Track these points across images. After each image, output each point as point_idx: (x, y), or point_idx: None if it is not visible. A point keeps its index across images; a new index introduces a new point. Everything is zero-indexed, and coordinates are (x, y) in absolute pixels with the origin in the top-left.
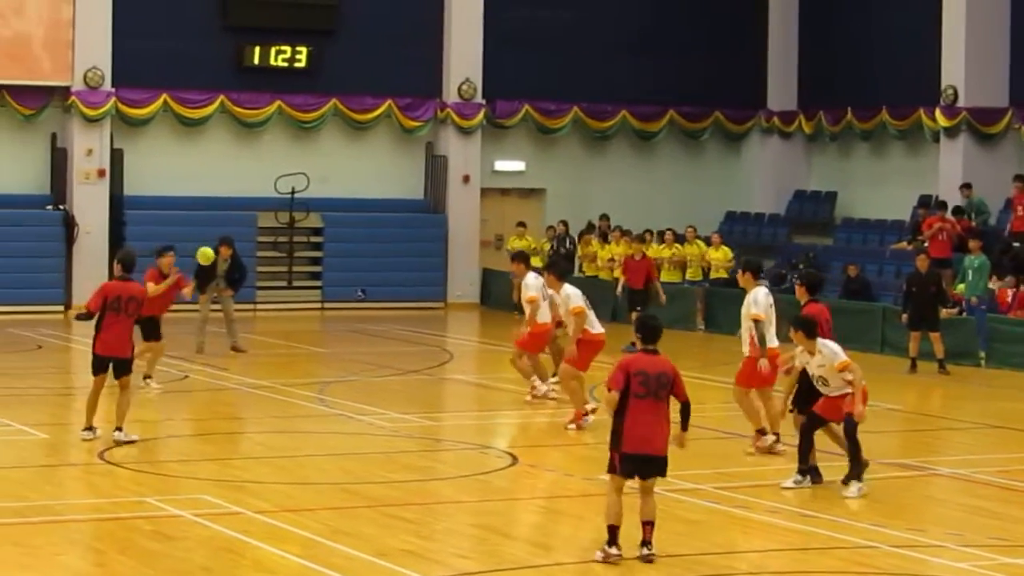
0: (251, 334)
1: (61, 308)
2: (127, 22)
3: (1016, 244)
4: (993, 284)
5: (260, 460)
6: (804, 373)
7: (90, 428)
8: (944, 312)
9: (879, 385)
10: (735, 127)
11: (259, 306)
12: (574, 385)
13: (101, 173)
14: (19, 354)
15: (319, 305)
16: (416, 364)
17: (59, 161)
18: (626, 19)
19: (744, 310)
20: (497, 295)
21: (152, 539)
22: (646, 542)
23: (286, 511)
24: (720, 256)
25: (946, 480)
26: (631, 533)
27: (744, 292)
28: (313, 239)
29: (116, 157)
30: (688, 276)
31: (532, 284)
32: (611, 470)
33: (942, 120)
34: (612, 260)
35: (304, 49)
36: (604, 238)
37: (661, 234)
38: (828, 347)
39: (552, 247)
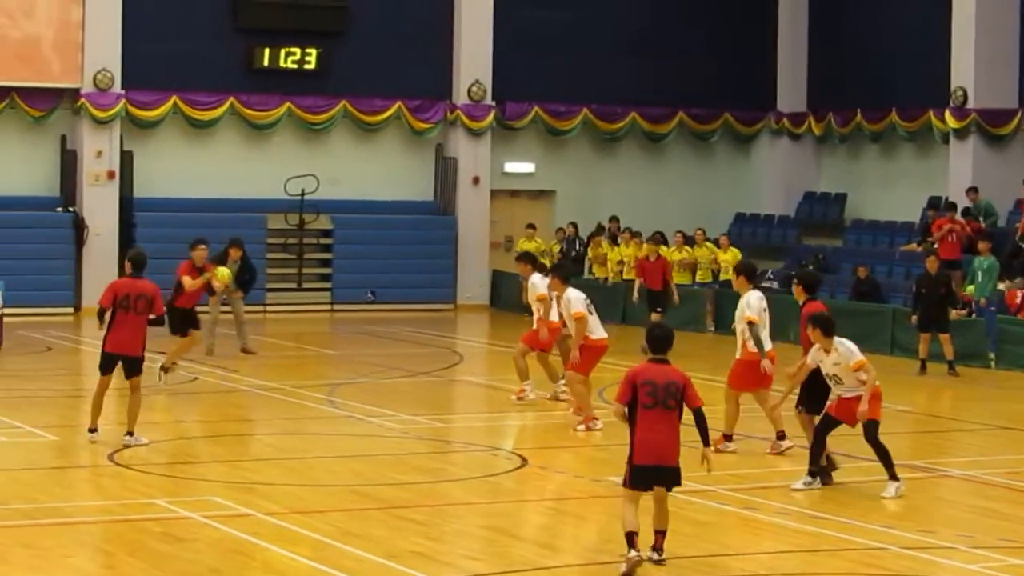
0: (261, 336)
1: (71, 310)
2: (137, 24)
3: None
4: (1002, 286)
5: (270, 462)
6: (812, 374)
7: (94, 429)
8: (953, 314)
9: (889, 387)
10: (745, 129)
11: (269, 308)
12: (581, 389)
13: (111, 175)
14: (29, 356)
15: (329, 307)
16: (426, 366)
17: (69, 163)
18: (635, 21)
19: (738, 313)
20: (507, 297)
21: (161, 541)
22: (657, 548)
23: (296, 513)
24: (730, 258)
25: (956, 481)
26: (643, 535)
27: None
28: (323, 241)
29: (126, 159)
30: (698, 278)
31: (540, 283)
32: (624, 483)
33: (952, 122)
34: (621, 262)
35: (314, 51)
36: (614, 240)
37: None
38: (845, 345)
39: (562, 249)
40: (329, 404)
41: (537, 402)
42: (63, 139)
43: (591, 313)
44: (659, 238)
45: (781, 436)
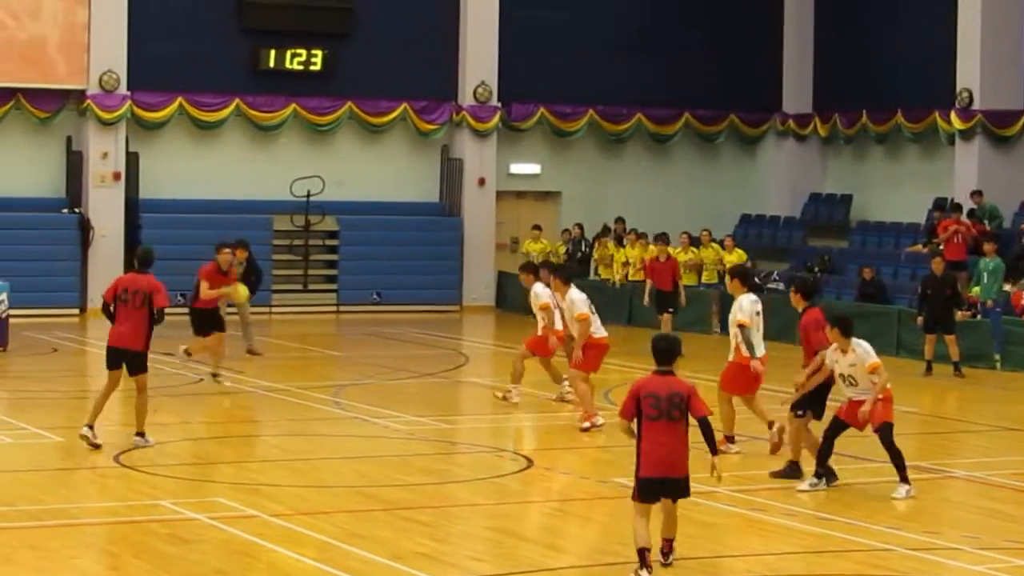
0: (267, 337)
1: (76, 311)
2: (142, 25)
3: None
4: (1008, 287)
5: (275, 463)
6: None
7: (90, 426)
8: (959, 315)
9: (894, 388)
10: (750, 130)
11: (275, 309)
12: (583, 388)
13: (116, 176)
14: (34, 357)
15: (334, 308)
16: (431, 367)
17: (74, 164)
18: (641, 23)
19: (731, 317)
20: (513, 298)
21: (167, 542)
22: (664, 552)
23: (301, 514)
24: (735, 259)
25: (962, 483)
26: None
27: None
28: (328, 242)
29: (131, 160)
30: (704, 279)
31: (543, 292)
32: (633, 497)
33: (957, 123)
34: (627, 263)
35: (319, 52)
36: (620, 241)
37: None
38: (862, 347)
39: (567, 250)
40: (335, 405)
41: (540, 404)
42: (69, 140)
43: (593, 313)
44: (665, 239)
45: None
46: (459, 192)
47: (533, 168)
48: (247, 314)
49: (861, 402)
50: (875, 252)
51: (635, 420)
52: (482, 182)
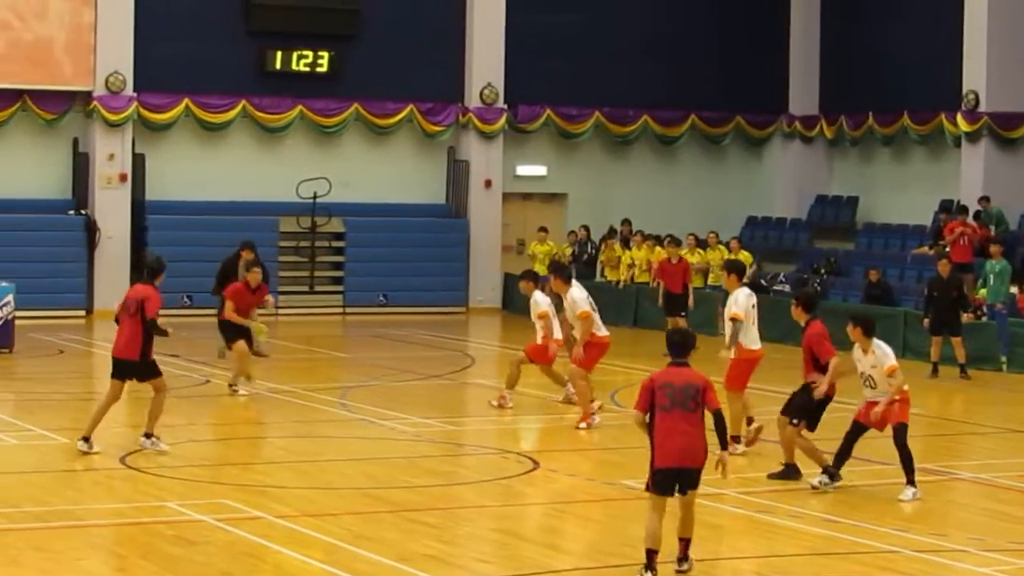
0: (273, 339)
1: (82, 313)
2: (149, 26)
3: None
4: (1014, 289)
5: (282, 465)
6: (808, 389)
7: (86, 439)
8: (965, 317)
9: None
10: (757, 132)
11: (281, 311)
12: (582, 385)
13: (123, 178)
14: (40, 359)
15: (341, 310)
16: (438, 369)
17: (81, 166)
18: (648, 24)
19: (726, 311)
20: (519, 300)
21: (173, 544)
22: (681, 558)
23: (308, 516)
24: (741, 261)
25: (968, 484)
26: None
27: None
28: (335, 244)
29: (138, 162)
30: (710, 281)
31: (542, 300)
32: (647, 488)
33: (963, 125)
34: (633, 264)
35: (326, 54)
36: (626, 243)
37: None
38: (881, 348)
39: (574, 252)
40: (341, 407)
41: (545, 405)
42: (75, 142)
43: (594, 311)
44: (676, 241)
45: (750, 421)
46: (465, 194)
47: (539, 170)
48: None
49: (878, 404)
50: (881, 254)
51: (649, 414)
52: (488, 184)
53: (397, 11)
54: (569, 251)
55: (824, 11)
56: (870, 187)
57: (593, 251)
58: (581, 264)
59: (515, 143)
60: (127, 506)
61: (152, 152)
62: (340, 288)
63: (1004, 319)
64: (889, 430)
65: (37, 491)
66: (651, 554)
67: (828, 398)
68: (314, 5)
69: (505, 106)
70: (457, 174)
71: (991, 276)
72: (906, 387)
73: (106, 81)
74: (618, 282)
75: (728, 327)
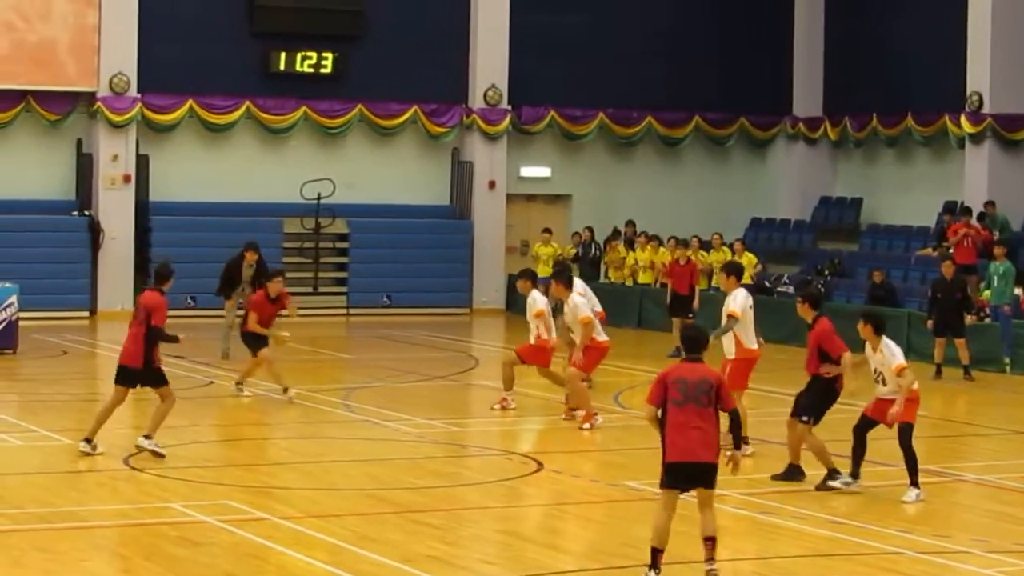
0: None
1: (86, 314)
2: (153, 27)
3: None
4: (1019, 291)
5: (286, 466)
6: (822, 383)
7: (88, 440)
8: (968, 319)
9: None
10: (760, 133)
11: (282, 312)
12: (582, 387)
13: (127, 179)
14: (44, 360)
15: (344, 311)
16: (442, 370)
17: (85, 167)
18: (652, 25)
19: (724, 308)
20: (522, 301)
21: (177, 545)
22: (709, 559)
23: (312, 517)
24: (744, 263)
25: (971, 486)
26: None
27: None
28: (339, 245)
29: (142, 163)
30: (714, 283)
31: (539, 299)
32: (660, 483)
33: (967, 126)
34: (636, 264)
35: (330, 55)
36: (630, 244)
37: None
38: (889, 348)
39: (577, 253)
40: (345, 408)
41: (549, 407)
42: (79, 143)
43: (594, 316)
44: (684, 243)
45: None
46: (469, 195)
47: (543, 171)
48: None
49: (887, 401)
50: (885, 255)
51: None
52: (492, 185)
53: (401, 12)
54: (573, 252)
55: (828, 13)
56: (874, 188)
57: (597, 252)
58: (585, 265)
59: (519, 144)
60: (131, 507)
61: (156, 153)
62: (344, 289)
63: (1008, 321)
64: (893, 430)
65: (41, 492)
66: (656, 553)
67: (835, 394)
68: (318, 6)
69: (509, 107)
70: (461, 175)
71: (995, 278)
72: (915, 386)
73: (110, 82)
74: (622, 284)
75: (724, 321)
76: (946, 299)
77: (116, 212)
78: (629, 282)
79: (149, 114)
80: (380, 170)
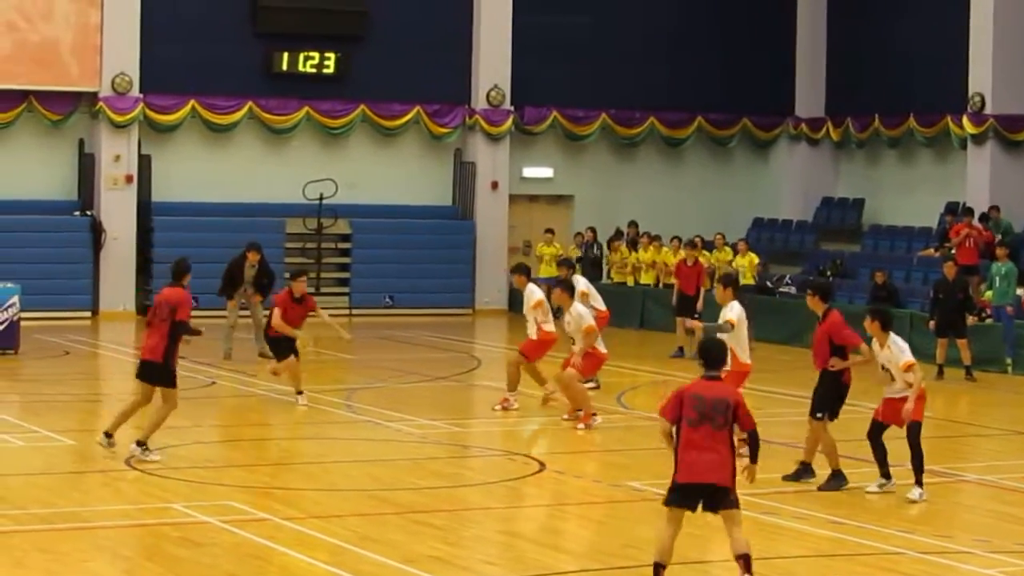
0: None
1: (88, 314)
2: (155, 28)
3: None
4: (1020, 291)
5: (287, 466)
6: (830, 378)
7: (109, 435)
8: (970, 319)
9: None
10: (763, 134)
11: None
12: (579, 387)
13: (129, 179)
14: (46, 360)
15: (347, 311)
16: (444, 370)
17: (87, 167)
18: (654, 26)
19: (720, 319)
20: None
21: (179, 545)
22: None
23: (314, 517)
24: (746, 263)
25: (973, 486)
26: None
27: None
28: (341, 245)
29: (144, 163)
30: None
31: (536, 290)
32: (664, 501)
33: (969, 127)
34: (638, 263)
35: (332, 55)
36: (633, 245)
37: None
38: (897, 344)
39: (581, 254)
40: (347, 408)
41: (551, 407)
42: (81, 143)
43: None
44: (692, 243)
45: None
46: (472, 195)
47: (546, 172)
48: (260, 318)
49: (896, 400)
50: (887, 256)
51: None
52: (495, 186)
53: (404, 13)
54: (577, 254)
55: (830, 14)
56: (876, 189)
57: (599, 253)
58: (588, 266)
59: (522, 145)
60: (133, 508)
61: (158, 153)
62: (346, 290)
63: (1010, 321)
64: (895, 430)
65: (43, 493)
66: (657, 568)
67: (844, 387)
68: (321, 7)
69: (512, 108)
70: (464, 176)
71: (997, 278)
72: (923, 384)
73: (112, 82)
74: (624, 284)
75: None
76: (948, 300)
77: (118, 212)
78: (631, 282)
79: (151, 114)
80: (382, 171)
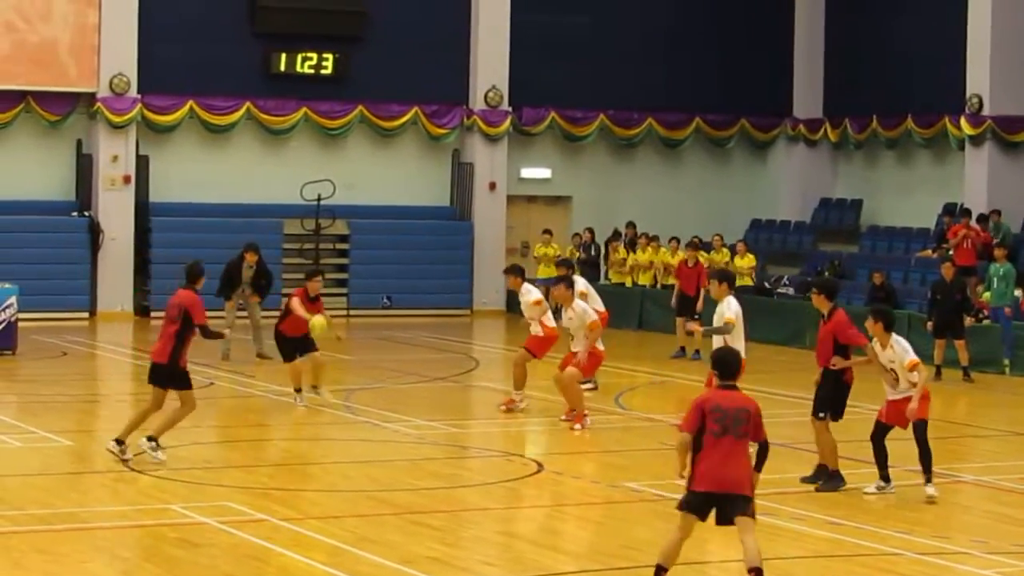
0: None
1: (86, 314)
2: (153, 28)
3: None
4: (1018, 292)
5: (285, 467)
6: (832, 377)
7: (120, 441)
8: (967, 321)
9: None
10: (761, 135)
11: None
12: (578, 388)
13: (127, 179)
14: (44, 361)
15: (345, 312)
16: (442, 371)
17: (84, 167)
18: (652, 27)
19: (717, 316)
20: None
21: (177, 546)
22: None
23: (312, 518)
24: (745, 264)
25: (970, 487)
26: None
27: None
28: (339, 246)
29: (142, 163)
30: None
31: (534, 289)
32: (678, 505)
33: (967, 128)
34: (636, 263)
35: (331, 56)
36: (631, 246)
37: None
38: (900, 344)
39: (579, 255)
40: (345, 409)
41: (550, 408)
42: (79, 143)
43: None
44: (694, 244)
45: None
46: (470, 196)
47: (544, 172)
48: (258, 319)
49: (899, 401)
50: (885, 257)
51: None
52: (493, 186)
53: (402, 13)
54: (577, 255)
55: (828, 14)
56: (874, 190)
57: (596, 254)
58: (586, 267)
59: (520, 145)
60: (131, 509)
61: (156, 154)
62: (344, 290)
63: (1008, 322)
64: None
65: (41, 494)
66: (659, 570)
67: (846, 386)
68: (319, 7)
69: (510, 108)
70: (462, 176)
71: (995, 279)
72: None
73: (110, 83)
74: (622, 284)
75: (716, 322)
76: (946, 301)
77: (116, 213)
78: (629, 283)
79: (149, 115)
80: (380, 171)
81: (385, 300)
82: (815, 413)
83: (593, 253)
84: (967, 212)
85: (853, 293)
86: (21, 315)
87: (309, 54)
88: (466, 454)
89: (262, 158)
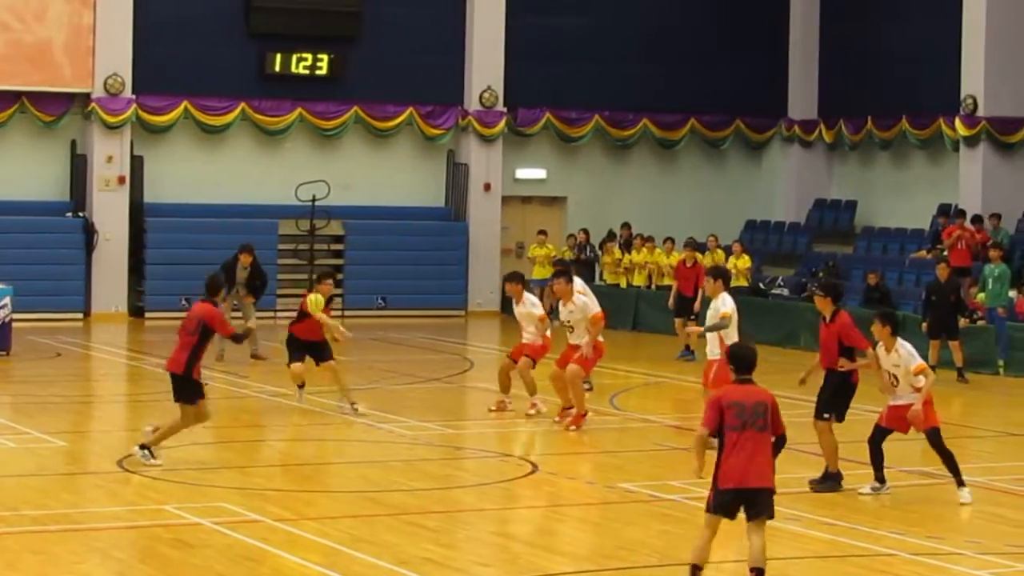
0: (271, 342)
1: (80, 315)
2: (148, 28)
3: None
4: (1013, 293)
5: (280, 468)
6: (838, 378)
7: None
8: (962, 322)
9: None
10: (756, 136)
11: (280, 314)
12: (581, 386)
13: (121, 180)
14: (38, 361)
15: (340, 313)
16: (437, 372)
17: (79, 168)
18: (647, 28)
19: (711, 313)
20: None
21: (172, 547)
22: None
23: (306, 519)
24: (741, 264)
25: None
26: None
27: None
28: (334, 247)
29: (136, 164)
30: None
31: (538, 303)
32: (706, 507)
33: (962, 129)
34: (631, 264)
35: (326, 57)
36: (626, 246)
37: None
38: (905, 348)
39: (574, 255)
40: (340, 410)
41: (547, 409)
42: (73, 144)
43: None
44: (693, 244)
45: None
46: (465, 197)
47: (539, 173)
48: (253, 320)
49: (900, 407)
50: (880, 258)
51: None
52: (488, 187)
53: (397, 14)
54: (570, 255)
55: (823, 16)
56: (869, 191)
57: (592, 254)
58: (581, 267)
59: (515, 146)
60: (125, 509)
61: (151, 154)
62: (339, 291)
63: (1003, 323)
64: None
65: (35, 494)
66: (695, 569)
67: (852, 387)
68: (314, 8)
69: (505, 109)
70: (457, 177)
71: (990, 280)
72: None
73: (105, 83)
74: (617, 285)
75: (710, 320)
76: (940, 301)
77: (110, 213)
78: (624, 284)
79: (144, 115)
80: (376, 172)
81: (380, 301)
82: (819, 414)
83: (589, 254)
84: (962, 213)
85: (848, 294)
86: (15, 316)
87: (304, 55)
88: (461, 455)
89: (257, 159)
